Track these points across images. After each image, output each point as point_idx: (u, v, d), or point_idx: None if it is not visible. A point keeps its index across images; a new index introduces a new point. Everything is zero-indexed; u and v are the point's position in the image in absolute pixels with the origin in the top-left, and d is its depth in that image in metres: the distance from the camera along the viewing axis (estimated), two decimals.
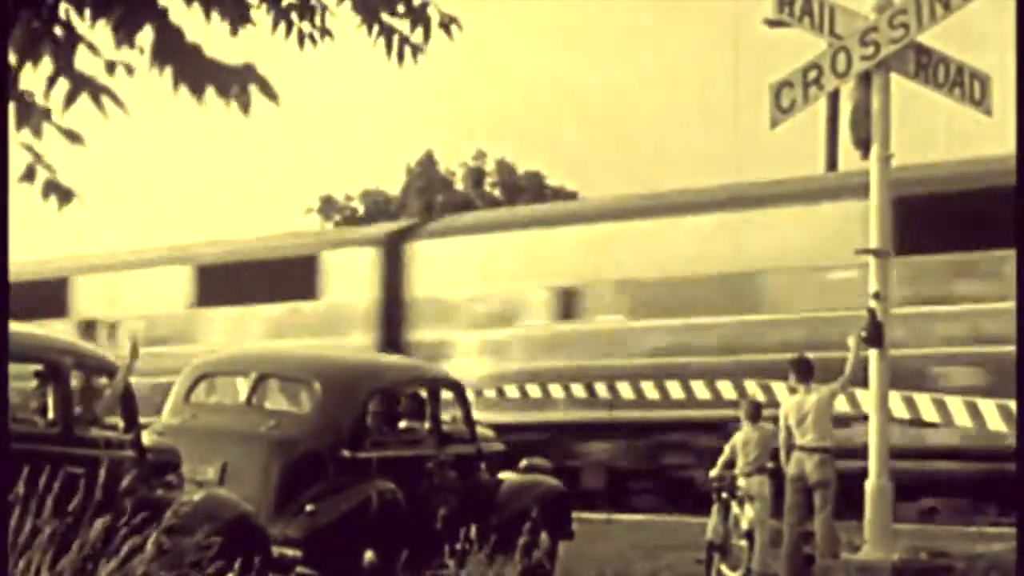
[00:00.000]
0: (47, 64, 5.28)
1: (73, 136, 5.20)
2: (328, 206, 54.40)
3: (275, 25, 6.18)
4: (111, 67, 5.22)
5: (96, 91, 5.14)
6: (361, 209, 53.80)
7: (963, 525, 18.79)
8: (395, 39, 6.34)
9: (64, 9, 5.32)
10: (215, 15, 5.68)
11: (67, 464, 8.97)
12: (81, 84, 5.17)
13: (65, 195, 5.22)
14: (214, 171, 73.91)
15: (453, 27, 6.46)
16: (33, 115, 5.20)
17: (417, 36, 6.37)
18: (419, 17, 6.36)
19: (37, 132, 5.20)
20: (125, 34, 5.27)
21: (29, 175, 5.21)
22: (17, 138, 5.22)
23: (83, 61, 5.30)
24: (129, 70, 5.21)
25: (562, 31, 74.53)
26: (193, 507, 10.15)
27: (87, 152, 5.30)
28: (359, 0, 6.29)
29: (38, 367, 10.06)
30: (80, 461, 9.35)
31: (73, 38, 5.29)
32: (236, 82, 5.18)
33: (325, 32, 6.30)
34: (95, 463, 9.26)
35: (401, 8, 6.34)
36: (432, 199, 52.06)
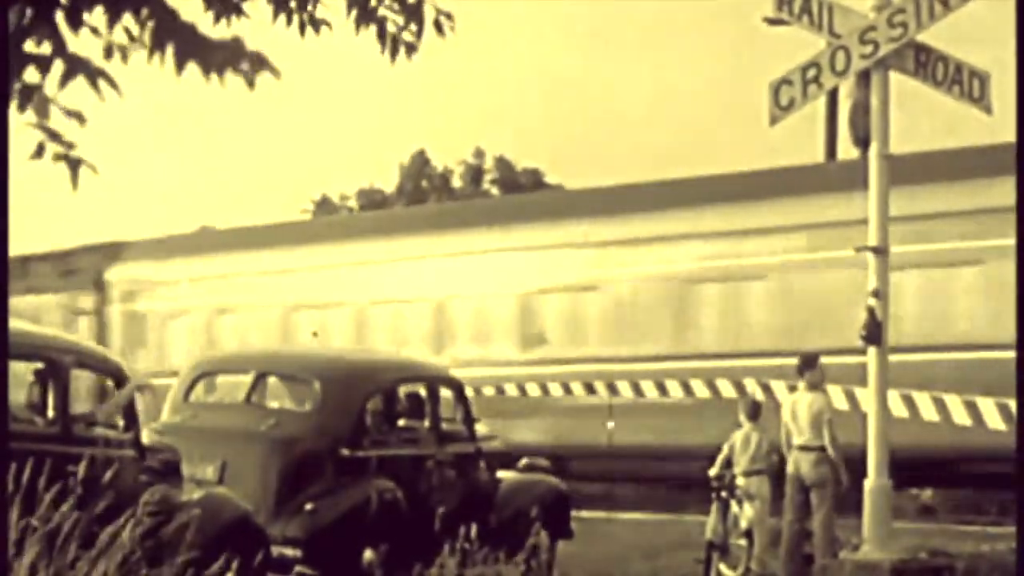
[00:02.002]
0: (44, 46, 5.28)
1: (75, 116, 5.20)
2: (323, 207, 54.23)
3: (276, 14, 6.16)
4: (108, 51, 5.22)
5: (92, 74, 5.13)
6: (357, 208, 53.71)
7: (963, 524, 18.78)
8: (388, 36, 6.32)
9: None
10: (211, 10, 5.67)
11: (66, 463, 8.95)
12: (76, 66, 5.16)
13: (74, 166, 5.22)
14: (205, 165, 73.89)
15: (447, 24, 6.43)
16: (34, 96, 5.20)
17: (411, 32, 6.35)
18: (414, 13, 6.34)
19: (42, 113, 5.20)
20: (120, 15, 5.27)
21: (39, 152, 5.22)
22: (24, 118, 5.23)
23: (82, 42, 5.30)
24: (124, 55, 5.21)
25: (561, 28, 74.52)
26: (192, 506, 10.13)
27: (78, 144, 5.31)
28: None
29: (38, 365, 10.05)
30: (79, 460, 9.32)
31: (75, 20, 5.28)
32: (234, 59, 5.17)
33: (319, 23, 6.28)
34: (94, 462, 9.24)
35: (395, 5, 6.32)
36: (426, 197, 51.96)
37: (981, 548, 15.01)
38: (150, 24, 5.24)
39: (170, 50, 5.17)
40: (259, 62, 5.20)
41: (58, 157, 5.19)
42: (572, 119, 71.79)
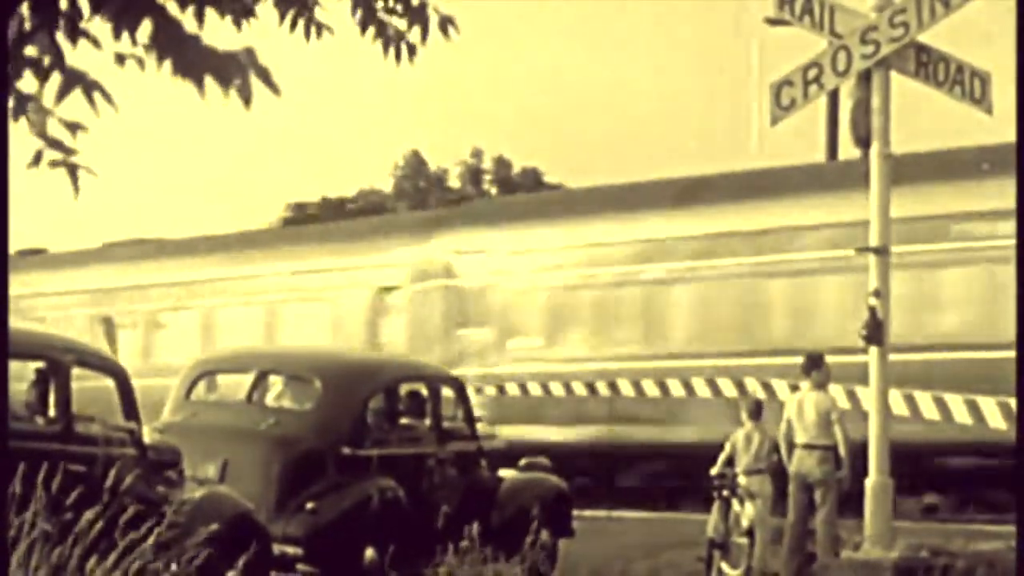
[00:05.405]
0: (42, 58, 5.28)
1: (74, 127, 5.20)
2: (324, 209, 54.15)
3: (282, 17, 6.15)
4: (120, 59, 5.22)
5: (88, 87, 5.14)
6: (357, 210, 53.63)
7: (964, 523, 18.78)
8: (392, 39, 6.33)
9: (66, 2, 5.32)
10: (215, 13, 5.66)
11: (67, 462, 8.96)
12: (73, 80, 5.16)
13: (73, 172, 5.22)
14: (202, 166, 73.79)
15: (450, 28, 6.44)
16: (28, 107, 5.21)
17: (414, 36, 6.36)
18: (417, 17, 6.35)
19: (38, 126, 5.20)
20: (124, 27, 5.26)
21: (36, 161, 5.22)
22: (26, 126, 5.23)
23: (80, 54, 5.30)
24: (141, 63, 5.21)
25: (561, 26, 74.54)
26: (194, 505, 10.15)
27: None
28: None
29: (39, 364, 10.07)
30: (80, 458, 9.34)
31: (75, 32, 5.29)
32: (236, 71, 5.17)
33: (321, 27, 6.28)
34: (95, 460, 9.26)
35: (399, 7, 6.33)
36: (425, 197, 51.86)
37: (981, 546, 15.01)
38: (154, 36, 5.24)
39: (180, 70, 5.16)
40: (263, 76, 5.19)
41: (55, 164, 5.18)
42: (571, 119, 71.76)
